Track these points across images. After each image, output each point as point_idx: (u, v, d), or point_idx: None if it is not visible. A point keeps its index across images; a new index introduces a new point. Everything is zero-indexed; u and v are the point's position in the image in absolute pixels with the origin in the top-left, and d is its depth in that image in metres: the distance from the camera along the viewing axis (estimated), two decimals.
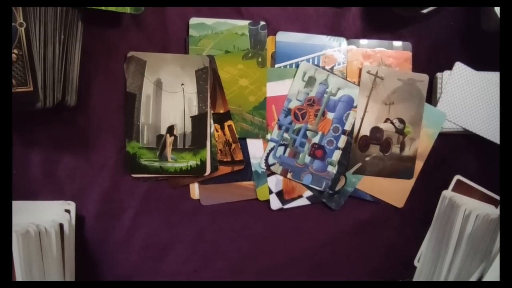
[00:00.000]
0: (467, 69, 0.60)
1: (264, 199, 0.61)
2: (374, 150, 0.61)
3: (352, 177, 0.61)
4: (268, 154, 0.60)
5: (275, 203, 0.61)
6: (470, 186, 0.62)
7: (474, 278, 0.47)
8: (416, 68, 0.62)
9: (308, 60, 0.61)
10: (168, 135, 0.59)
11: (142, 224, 0.60)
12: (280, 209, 0.61)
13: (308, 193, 0.61)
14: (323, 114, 0.60)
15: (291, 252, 0.62)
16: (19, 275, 0.45)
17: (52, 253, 0.51)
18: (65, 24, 0.52)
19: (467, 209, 0.53)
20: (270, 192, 0.61)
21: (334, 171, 0.61)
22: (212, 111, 0.59)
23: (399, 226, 0.63)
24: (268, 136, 0.60)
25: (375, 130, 0.61)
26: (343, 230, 0.62)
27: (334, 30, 0.62)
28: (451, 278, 0.53)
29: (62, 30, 0.51)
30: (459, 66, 0.60)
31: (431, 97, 0.62)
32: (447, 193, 0.61)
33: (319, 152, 0.60)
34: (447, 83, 0.60)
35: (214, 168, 0.59)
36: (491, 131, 0.61)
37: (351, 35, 0.62)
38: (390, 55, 0.62)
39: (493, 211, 0.51)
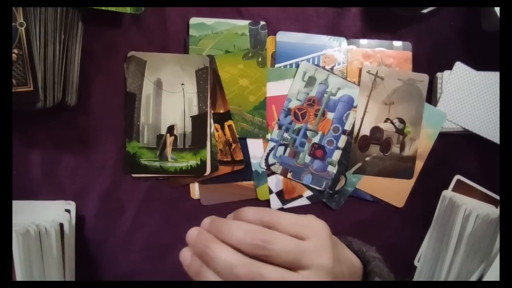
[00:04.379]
0: (467, 69, 0.60)
1: (264, 199, 0.61)
2: (374, 150, 0.61)
3: (352, 177, 0.61)
4: (268, 154, 0.60)
5: (275, 203, 0.61)
6: (470, 186, 0.62)
7: (474, 278, 0.47)
8: (416, 68, 0.62)
9: (308, 60, 0.61)
10: (168, 135, 0.59)
11: (142, 224, 0.60)
12: (280, 209, 0.61)
13: (308, 193, 0.61)
14: (323, 114, 0.60)
15: None
16: (19, 275, 0.45)
17: (52, 253, 0.51)
18: (65, 24, 0.52)
19: (467, 209, 0.53)
20: (270, 192, 0.61)
21: (334, 171, 0.61)
22: (212, 111, 0.59)
23: (399, 226, 0.63)
24: (268, 136, 0.60)
25: (375, 130, 0.61)
26: (343, 230, 0.62)
27: (334, 30, 0.62)
28: (451, 278, 0.53)
29: (62, 30, 0.51)
30: (459, 66, 0.60)
31: (431, 97, 0.62)
32: (447, 193, 0.61)
33: (319, 152, 0.60)
34: (447, 83, 0.60)
35: (214, 168, 0.59)
36: (491, 131, 0.61)
37: (351, 35, 0.62)
38: (390, 55, 0.62)
39: (493, 211, 0.51)
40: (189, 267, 0.32)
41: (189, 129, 0.59)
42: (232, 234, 0.31)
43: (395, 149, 0.61)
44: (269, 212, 0.34)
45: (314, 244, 0.32)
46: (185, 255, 0.33)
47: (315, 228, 0.34)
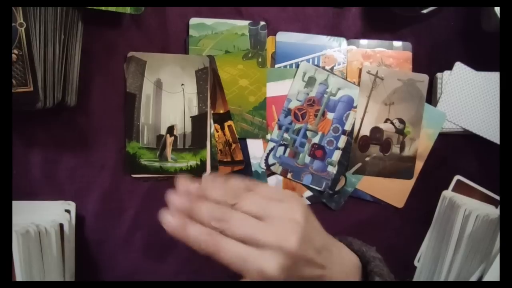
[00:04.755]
0: (467, 69, 0.60)
1: None
2: (374, 150, 0.61)
3: (352, 177, 0.61)
4: (268, 154, 0.60)
5: None
6: (470, 186, 0.62)
7: (474, 278, 0.47)
8: (416, 68, 0.62)
9: (308, 60, 0.61)
10: (168, 135, 0.59)
11: (142, 224, 0.60)
12: None
13: (308, 193, 0.61)
14: (323, 114, 0.60)
15: None
16: (19, 275, 0.45)
17: (52, 253, 0.51)
18: (65, 24, 0.52)
19: (467, 209, 0.53)
20: None
21: (334, 171, 0.61)
22: (212, 111, 0.59)
23: (399, 226, 0.63)
24: (268, 136, 0.60)
25: (375, 130, 0.61)
26: (343, 230, 0.62)
27: (334, 30, 0.62)
28: (451, 278, 0.53)
29: (62, 30, 0.51)
30: (459, 66, 0.60)
31: (431, 97, 0.62)
32: (447, 193, 0.61)
33: (319, 152, 0.60)
34: (447, 83, 0.60)
35: (214, 168, 0.59)
36: (491, 131, 0.61)
37: (351, 35, 0.62)
38: (390, 55, 0.62)
39: (493, 211, 0.51)
40: (173, 224, 0.36)
41: (189, 129, 0.59)
42: (200, 209, 0.36)
43: (395, 149, 0.61)
44: (252, 180, 0.38)
45: (276, 225, 0.34)
46: (168, 216, 0.36)
47: (289, 210, 0.35)
